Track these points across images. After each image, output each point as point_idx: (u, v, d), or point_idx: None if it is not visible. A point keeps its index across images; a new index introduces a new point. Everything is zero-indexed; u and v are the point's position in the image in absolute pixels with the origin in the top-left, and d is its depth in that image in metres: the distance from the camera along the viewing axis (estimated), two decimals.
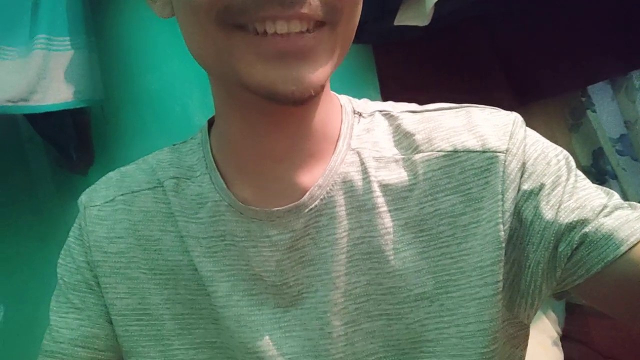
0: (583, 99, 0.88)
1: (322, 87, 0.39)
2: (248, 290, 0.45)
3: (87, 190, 0.51)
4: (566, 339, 0.90)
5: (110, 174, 0.52)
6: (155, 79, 1.10)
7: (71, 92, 0.93)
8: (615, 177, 0.87)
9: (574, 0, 0.79)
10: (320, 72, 0.37)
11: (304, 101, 0.37)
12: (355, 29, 0.41)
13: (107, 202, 0.49)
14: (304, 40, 0.36)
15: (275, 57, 0.36)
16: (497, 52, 0.89)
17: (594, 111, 0.87)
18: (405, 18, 0.82)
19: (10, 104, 0.89)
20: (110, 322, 0.48)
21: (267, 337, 0.44)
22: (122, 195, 0.49)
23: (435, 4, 0.74)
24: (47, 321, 0.50)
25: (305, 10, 0.35)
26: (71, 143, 1.04)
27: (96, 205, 0.49)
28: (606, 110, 0.86)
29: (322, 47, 0.37)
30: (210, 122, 0.49)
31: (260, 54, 0.36)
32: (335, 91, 0.48)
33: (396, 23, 0.83)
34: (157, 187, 0.49)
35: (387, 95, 0.56)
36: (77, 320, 0.48)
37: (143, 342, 0.47)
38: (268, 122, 0.43)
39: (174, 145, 0.51)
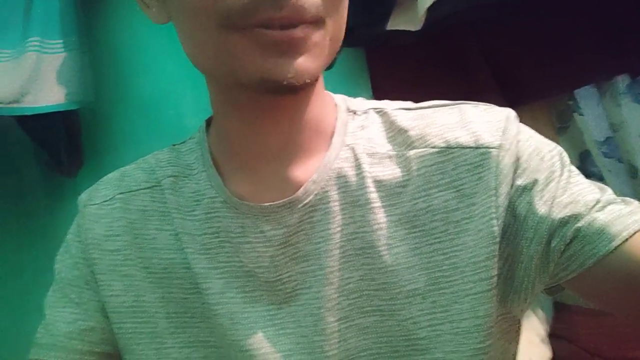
0: (570, 103, 0.90)
1: (316, 78, 0.40)
2: (242, 288, 0.45)
3: (87, 189, 0.52)
4: (554, 336, 0.91)
5: (111, 174, 0.53)
6: (147, 82, 1.09)
7: (63, 94, 0.93)
8: (601, 178, 0.88)
9: (561, 8, 0.81)
10: (311, 62, 0.38)
11: (298, 88, 0.38)
12: (344, 29, 0.42)
13: (105, 201, 0.50)
14: (297, 32, 0.37)
15: (271, 48, 0.37)
16: (487, 57, 0.90)
17: (580, 114, 0.88)
18: (398, 23, 0.83)
19: (1, 105, 0.88)
20: (107, 317, 0.48)
21: (260, 335, 0.44)
22: (120, 194, 0.50)
23: (428, 9, 0.76)
24: (35, 325, 0.50)
25: (291, 11, 0.36)
26: (61, 145, 1.03)
27: (95, 204, 0.50)
28: (592, 114, 0.87)
29: (313, 40, 0.38)
30: (208, 122, 0.50)
31: (256, 47, 0.37)
32: None
33: (389, 27, 0.85)
34: (155, 186, 0.49)
35: (379, 98, 0.57)
36: (74, 314, 0.48)
37: (137, 340, 0.47)
38: (264, 117, 0.43)
39: (173, 145, 0.52)
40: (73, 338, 0.47)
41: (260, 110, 0.43)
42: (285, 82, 0.37)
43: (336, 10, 0.40)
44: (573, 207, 0.40)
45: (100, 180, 0.52)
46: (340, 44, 0.42)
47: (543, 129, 0.90)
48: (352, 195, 0.44)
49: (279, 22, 0.36)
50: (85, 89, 0.97)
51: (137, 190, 0.50)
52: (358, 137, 0.46)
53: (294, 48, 0.37)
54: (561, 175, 0.42)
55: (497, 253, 0.41)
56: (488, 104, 0.47)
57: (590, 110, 0.87)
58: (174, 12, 0.41)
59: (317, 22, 0.38)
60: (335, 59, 0.43)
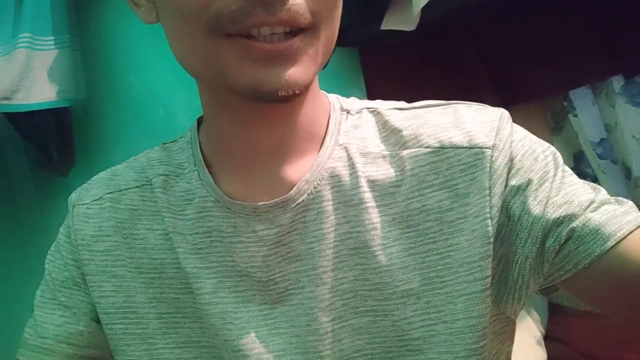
0: (565, 103, 0.90)
1: (307, 86, 0.40)
2: (234, 287, 0.45)
3: (78, 189, 0.52)
4: (549, 338, 0.92)
5: (102, 173, 0.52)
6: (138, 80, 1.09)
7: (54, 91, 0.92)
8: (595, 179, 0.88)
9: (556, 8, 0.81)
10: (303, 72, 0.38)
11: (289, 99, 0.38)
12: (337, 32, 0.42)
13: (95, 201, 0.49)
14: (288, 43, 0.37)
15: (261, 59, 0.37)
16: (482, 56, 0.90)
17: (575, 115, 0.89)
18: (392, 22, 0.83)
19: None
20: (96, 320, 0.48)
21: (253, 335, 0.44)
22: (110, 193, 0.49)
23: (422, 9, 0.75)
24: (26, 324, 0.50)
25: (285, 16, 0.36)
26: (52, 143, 1.02)
27: (84, 204, 0.50)
28: (587, 115, 0.87)
29: (304, 49, 0.38)
30: (200, 121, 0.50)
31: (246, 57, 0.37)
32: None
33: (383, 27, 0.84)
34: (146, 184, 0.49)
35: (373, 97, 0.56)
36: (63, 318, 0.48)
37: (127, 341, 0.47)
38: (256, 119, 0.43)
39: (164, 144, 0.52)
40: (61, 342, 0.47)
41: (252, 112, 0.43)
42: (276, 93, 0.37)
43: (330, 18, 0.40)
44: (567, 207, 0.40)
45: (91, 179, 0.52)
46: (332, 47, 0.42)
47: (537, 129, 0.90)
48: (346, 195, 0.44)
49: (271, 29, 0.36)
50: (77, 87, 0.96)
51: (127, 189, 0.49)
52: (351, 136, 0.46)
53: (284, 58, 0.37)
54: (555, 175, 0.42)
55: (491, 253, 0.41)
56: (482, 103, 0.46)
57: (585, 111, 0.88)
58: (162, 15, 0.41)
59: (312, 29, 0.38)
60: (328, 59, 0.43)
